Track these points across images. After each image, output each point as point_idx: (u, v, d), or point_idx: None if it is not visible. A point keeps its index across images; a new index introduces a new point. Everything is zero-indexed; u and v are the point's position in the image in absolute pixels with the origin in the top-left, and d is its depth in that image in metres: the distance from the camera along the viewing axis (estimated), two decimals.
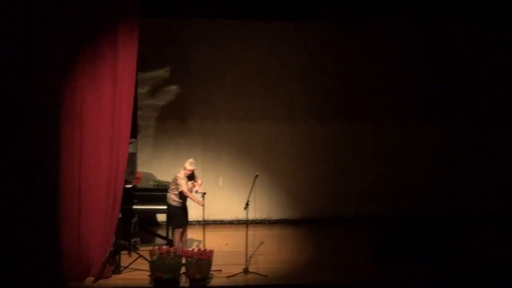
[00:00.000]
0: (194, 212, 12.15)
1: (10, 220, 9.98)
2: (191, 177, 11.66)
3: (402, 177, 14.76)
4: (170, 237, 12.27)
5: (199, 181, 11.75)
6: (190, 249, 11.12)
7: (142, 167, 13.64)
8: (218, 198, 13.90)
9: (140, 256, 11.35)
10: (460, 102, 14.89)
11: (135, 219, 12.31)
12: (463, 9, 13.32)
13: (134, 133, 12.62)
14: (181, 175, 11.54)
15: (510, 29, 14.39)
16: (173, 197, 11.64)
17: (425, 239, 12.10)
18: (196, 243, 12.42)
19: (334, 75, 14.66)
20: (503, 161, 14.97)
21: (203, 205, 11.45)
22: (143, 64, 12.97)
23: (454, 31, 14.60)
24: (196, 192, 11.58)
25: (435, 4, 13.14)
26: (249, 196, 11.17)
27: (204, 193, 11.40)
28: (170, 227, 12.16)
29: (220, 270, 10.97)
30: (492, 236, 13.39)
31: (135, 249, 11.76)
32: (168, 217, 12.16)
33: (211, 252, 10.80)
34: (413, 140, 14.88)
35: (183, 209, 11.70)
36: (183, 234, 11.71)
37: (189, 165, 11.57)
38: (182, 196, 11.58)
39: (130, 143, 10.95)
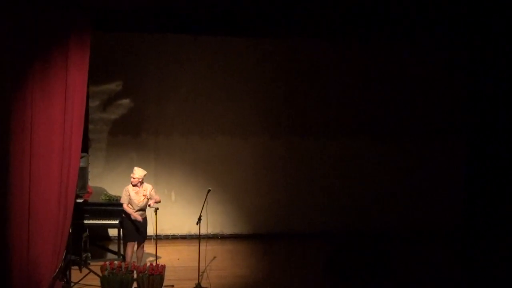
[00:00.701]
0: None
1: None
2: (140, 187, 11.54)
3: (355, 193, 14.88)
4: (122, 252, 12.16)
5: (156, 197, 11.61)
6: (142, 264, 11.03)
7: (94, 182, 13.54)
8: (171, 213, 13.87)
9: (91, 271, 11.22)
10: (414, 118, 15.15)
11: (86, 234, 12.18)
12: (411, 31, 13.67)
13: (85, 147, 12.51)
14: (129, 186, 11.46)
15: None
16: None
17: (377, 256, 12.19)
18: (149, 258, 12.32)
19: (287, 91, 14.75)
20: (454, 177, 15.24)
21: (140, 220, 11.38)
22: (95, 78, 12.88)
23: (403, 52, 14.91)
24: (149, 206, 11.47)
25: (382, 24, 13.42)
26: (201, 211, 11.14)
27: (157, 209, 11.30)
28: (121, 241, 12.08)
29: (172, 286, 10.91)
30: (443, 253, 13.62)
31: (86, 264, 11.64)
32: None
33: (163, 267, 10.73)
34: (366, 155, 15.02)
35: (137, 222, 11.55)
36: (137, 248, 11.61)
37: (132, 173, 11.50)
38: (136, 209, 11.49)
39: (81, 157, 10.83)
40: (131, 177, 11.44)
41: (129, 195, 11.42)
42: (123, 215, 11.63)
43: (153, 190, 11.63)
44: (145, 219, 11.57)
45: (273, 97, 14.71)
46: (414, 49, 14.89)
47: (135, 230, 11.52)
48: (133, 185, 11.46)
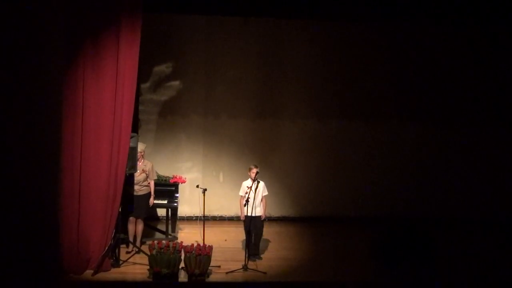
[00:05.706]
0: (194, 208, 12.13)
1: (11, 213, 9.98)
2: (141, 162, 11.74)
3: (403, 177, 14.73)
4: (170, 231, 12.29)
5: (152, 177, 11.91)
6: (190, 244, 11.12)
7: None
8: (219, 194, 13.93)
9: (140, 250, 11.38)
10: (461, 104, 14.87)
11: None
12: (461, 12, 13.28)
13: (135, 128, 12.65)
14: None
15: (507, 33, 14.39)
16: None
17: (425, 241, 12.06)
18: (196, 238, 12.42)
19: (336, 74, 14.65)
20: (501, 163, 14.95)
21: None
22: (145, 59, 12.98)
23: (453, 34, 14.57)
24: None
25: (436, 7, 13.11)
26: (249, 193, 11.16)
27: (205, 190, 11.41)
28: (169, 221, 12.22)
29: (219, 266, 10.98)
30: (489, 240, 13.41)
31: (135, 243, 11.79)
32: None
33: (210, 247, 10.80)
34: (415, 140, 14.85)
35: (135, 197, 11.75)
36: (135, 224, 11.81)
37: None
38: (138, 184, 11.73)
39: (131, 137, 10.95)
40: None
41: None
42: None
43: (152, 167, 11.87)
44: (143, 196, 11.79)
45: (322, 80, 14.63)
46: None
47: (135, 206, 11.73)
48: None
